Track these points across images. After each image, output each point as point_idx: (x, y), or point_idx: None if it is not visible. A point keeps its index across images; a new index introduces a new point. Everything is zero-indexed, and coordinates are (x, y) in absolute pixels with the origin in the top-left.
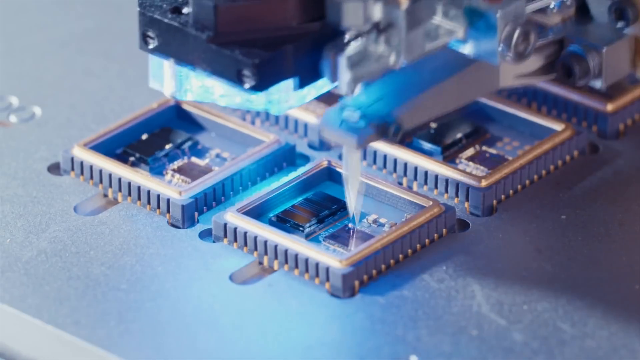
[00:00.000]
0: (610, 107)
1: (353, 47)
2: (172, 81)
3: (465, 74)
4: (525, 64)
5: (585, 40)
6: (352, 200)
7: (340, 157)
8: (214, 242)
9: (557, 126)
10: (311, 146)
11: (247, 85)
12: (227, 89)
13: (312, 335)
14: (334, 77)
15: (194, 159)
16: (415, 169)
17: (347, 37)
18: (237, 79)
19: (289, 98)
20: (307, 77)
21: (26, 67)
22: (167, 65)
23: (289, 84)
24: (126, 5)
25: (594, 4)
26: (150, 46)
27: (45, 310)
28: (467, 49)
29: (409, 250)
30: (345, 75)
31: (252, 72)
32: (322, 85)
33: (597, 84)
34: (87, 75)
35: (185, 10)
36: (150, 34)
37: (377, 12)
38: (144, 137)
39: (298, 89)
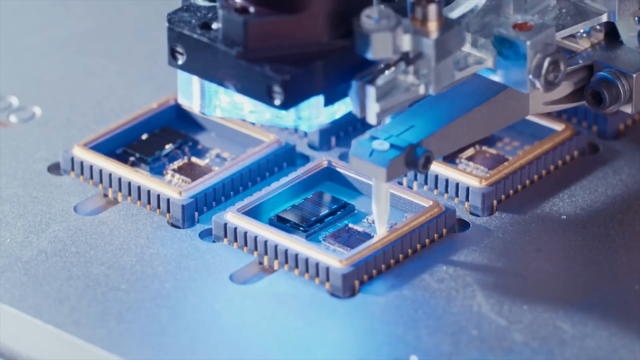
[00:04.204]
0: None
1: (382, 78)
2: (201, 97)
3: (495, 102)
4: (555, 90)
5: (615, 66)
6: (382, 228)
7: (340, 157)
8: (214, 242)
9: (557, 126)
10: (311, 146)
11: (276, 102)
12: (257, 104)
13: (312, 335)
14: (361, 111)
15: (194, 159)
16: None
17: (376, 67)
18: (266, 95)
19: (319, 114)
20: (337, 93)
21: (26, 67)
22: (196, 81)
23: (319, 100)
24: (126, 5)
25: (624, 29)
26: (179, 62)
27: (45, 310)
28: (497, 78)
29: (409, 250)
30: (373, 106)
31: (282, 88)
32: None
33: (627, 109)
34: (87, 75)
35: (214, 25)
36: (179, 49)
37: (406, 43)
38: (144, 137)
39: (328, 105)
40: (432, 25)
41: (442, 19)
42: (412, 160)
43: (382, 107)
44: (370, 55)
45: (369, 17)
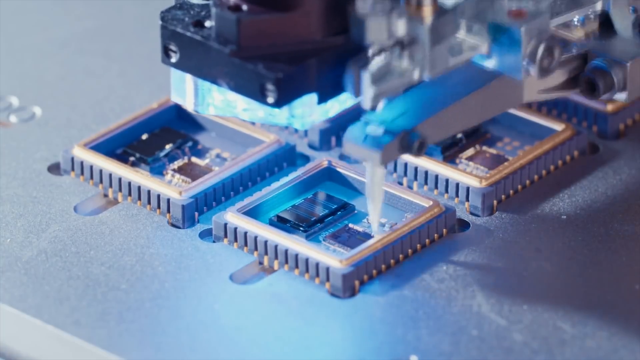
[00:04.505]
0: (610, 107)
1: (376, 63)
2: (194, 95)
3: (489, 89)
4: (549, 78)
5: (609, 55)
6: (376, 215)
7: (340, 157)
8: (214, 242)
9: (557, 126)
10: (311, 146)
11: (270, 100)
12: (250, 102)
13: (312, 335)
14: (357, 92)
15: (194, 159)
16: (415, 169)
17: (370, 52)
18: (259, 93)
19: (313, 112)
20: (330, 91)
21: (26, 67)
22: (189, 79)
23: (312, 98)
24: (126, 5)
25: (618, 18)
26: (172, 60)
27: (45, 310)
28: (491, 64)
29: (409, 250)
30: (368, 90)
31: (275, 86)
32: (345, 99)
33: (622, 98)
34: (87, 75)
35: (207, 23)
36: (172, 47)
37: (400, 28)
38: (144, 137)
39: (321, 103)
40: (427, 11)
41: (436, 5)
42: (406, 144)
43: (377, 92)
44: (365, 40)
45: (364, 2)
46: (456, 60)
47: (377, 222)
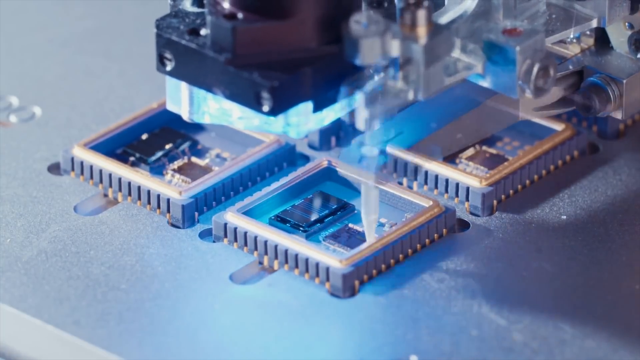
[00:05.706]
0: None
1: (370, 84)
2: (190, 103)
3: (484, 108)
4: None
5: (606, 72)
6: (371, 235)
7: (340, 156)
8: (214, 242)
9: (557, 126)
10: (311, 146)
11: (265, 108)
12: (245, 111)
13: (312, 335)
14: (351, 116)
15: (194, 159)
16: (416, 168)
17: (364, 73)
18: (255, 102)
19: (308, 120)
20: (326, 99)
21: (26, 67)
22: (184, 87)
23: (307, 106)
24: (126, 5)
25: (614, 34)
26: (168, 68)
27: (45, 310)
28: (486, 84)
29: (409, 250)
30: (362, 111)
31: (270, 94)
32: (341, 108)
33: (618, 115)
34: (87, 75)
35: (203, 31)
36: (167, 55)
37: (395, 48)
38: (144, 137)
39: (317, 112)
40: (421, 31)
41: (431, 25)
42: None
43: (371, 113)
44: (358, 61)
45: (358, 23)
46: (451, 80)
47: (373, 239)
